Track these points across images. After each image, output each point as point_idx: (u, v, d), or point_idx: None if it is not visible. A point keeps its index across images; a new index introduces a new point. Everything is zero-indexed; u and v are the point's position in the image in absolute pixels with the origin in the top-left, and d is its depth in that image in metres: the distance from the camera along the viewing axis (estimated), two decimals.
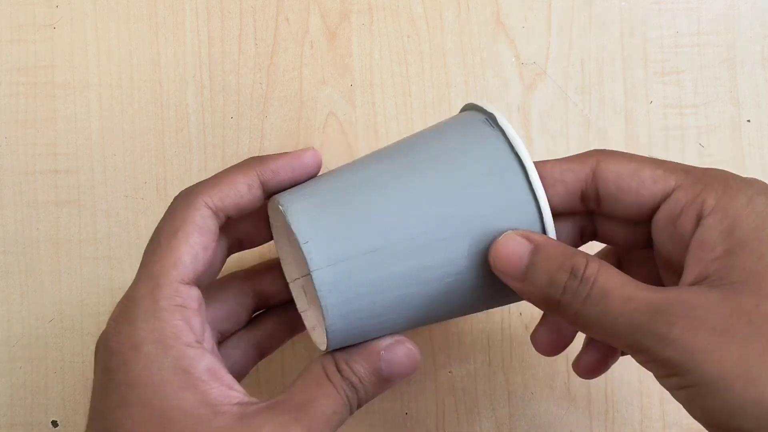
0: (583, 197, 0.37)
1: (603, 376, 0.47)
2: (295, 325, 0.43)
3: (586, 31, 0.49)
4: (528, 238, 0.34)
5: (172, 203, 0.37)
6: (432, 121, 0.48)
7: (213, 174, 0.38)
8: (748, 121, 0.48)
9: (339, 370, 0.36)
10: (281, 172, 0.37)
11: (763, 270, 0.31)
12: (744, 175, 0.47)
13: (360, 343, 0.36)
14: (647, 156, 0.36)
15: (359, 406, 0.36)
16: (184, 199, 0.36)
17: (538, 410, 0.47)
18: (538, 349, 0.41)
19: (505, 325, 0.47)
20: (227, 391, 0.34)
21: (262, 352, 0.42)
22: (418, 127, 0.48)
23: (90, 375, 0.45)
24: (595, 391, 0.47)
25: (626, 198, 0.35)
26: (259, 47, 0.48)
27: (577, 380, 0.47)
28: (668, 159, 0.48)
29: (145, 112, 0.48)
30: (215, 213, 0.36)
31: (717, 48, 0.49)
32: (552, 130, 0.48)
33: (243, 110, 0.48)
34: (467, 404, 0.47)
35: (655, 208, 0.35)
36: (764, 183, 0.35)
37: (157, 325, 0.34)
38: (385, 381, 0.36)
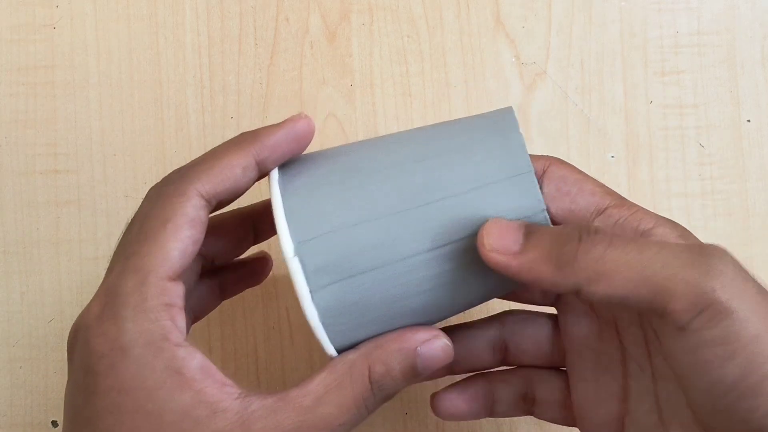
0: None
1: None
2: (258, 274, 0.42)
3: (586, 31, 0.49)
4: (516, 223, 0.32)
5: (160, 186, 0.33)
6: (432, 121, 0.48)
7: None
8: (748, 121, 0.48)
9: (370, 371, 0.33)
10: (278, 148, 0.34)
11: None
12: (743, 175, 0.48)
13: (389, 337, 0.34)
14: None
15: (383, 401, 0.34)
16: (175, 186, 0.33)
17: None
18: (440, 414, 0.39)
19: None
20: (222, 387, 0.32)
21: (224, 295, 0.41)
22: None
23: None
24: None
25: (563, 201, 0.35)
26: (259, 47, 0.48)
27: None
28: (668, 159, 0.48)
29: (145, 112, 0.48)
30: (208, 202, 0.33)
31: (717, 48, 0.49)
32: (552, 130, 0.48)
33: (243, 110, 0.48)
34: None
35: (585, 220, 0.35)
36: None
37: (146, 326, 0.31)
38: (415, 378, 0.34)
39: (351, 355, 0.33)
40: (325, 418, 0.32)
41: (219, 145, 0.34)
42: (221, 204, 0.34)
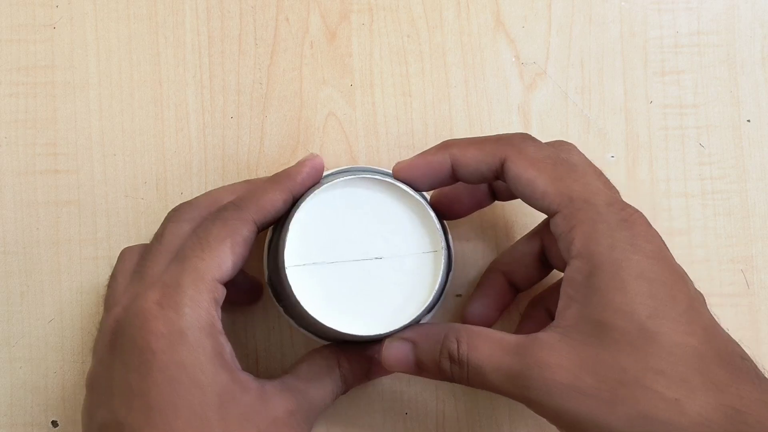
0: (492, 176, 0.41)
1: None
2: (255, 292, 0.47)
3: (586, 31, 0.49)
4: (405, 339, 0.40)
5: (221, 213, 0.40)
6: (432, 121, 0.48)
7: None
8: (748, 121, 0.48)
9: (338, 365, 0.42)
10: (306, 183, 0.42)
11: (605, 319, 0.35)
12: (743, 175, 0.48)
13: (361, 344, 0.43)
14: (554, 159, 0.39)
15: (345, 392, 0.43)
16: (236, 211, 0.40)
17: None
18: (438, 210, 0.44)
19: (505, 325, 0.47)
20: (242, 371, 0.39)
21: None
22: (418, 127, 0.48)
23: None
24: None
25: (520, 195, 0.40)
26: (259, 47, 0.48)
27: None
28: (668, 159, 0.48)
29: (144, 112, 0.48)
30: (258, 227, 0.40)
31: (717, 48, 0.49)
32: (552, 130, 0.48)
33: (243, 110, 0.48)
34: (467, 404, 0.47)
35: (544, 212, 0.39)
36: (640, 218, 0.38)
37: (201, 314, 0.38)
38: (368, 378, 0.44)
39: (324, 351, 0.43)
40: (314, 398, 0.41)
41: (262, 182, 0.42)
42: (263, 229, 0.41)
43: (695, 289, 0.37)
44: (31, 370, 0.46)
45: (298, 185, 0.42)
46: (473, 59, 0.48)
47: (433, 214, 0.41)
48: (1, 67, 0.48)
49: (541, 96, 0.48)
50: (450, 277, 0.45)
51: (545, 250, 0.43)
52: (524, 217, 0.47)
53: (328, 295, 0.40)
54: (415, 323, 0.40)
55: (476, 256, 0.47)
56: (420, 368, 0.40)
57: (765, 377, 0.35)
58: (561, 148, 0.40)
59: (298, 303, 0.40)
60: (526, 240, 0.44)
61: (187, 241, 0.40)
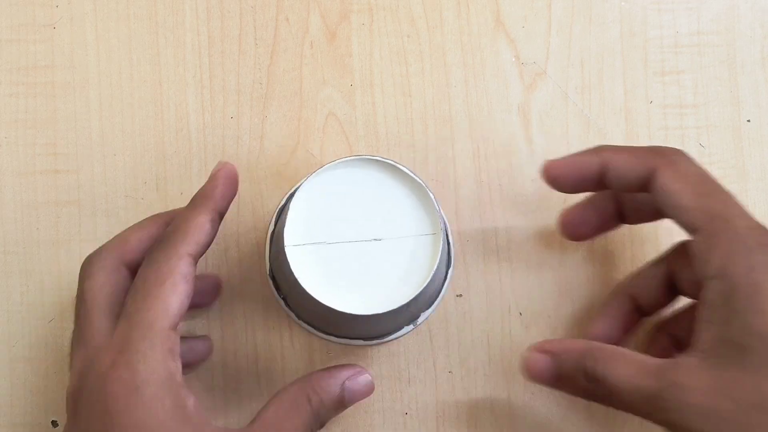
0: (639, 185, 0.41)
1: None
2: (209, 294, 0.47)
3: (586, 30, 0.49)
4: (546, 351, 0.40)
5: (151, 255, 0.39)
6: (432, 121, 0.48)
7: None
8: (748, 121, 0.48)
9: (309, 401, 0.40)
10: (225, 196, 0.41)
11: (745, 342, 0.35)
12: (744, 175, 0.48)
13: (321, 373, 0.42)
14: (703, 177, 0.39)
15: (320, 427, 0.41)
16: (165, 251, 0.38)
17: (539, 410, 0.47)
18: (563, 232, 0.46)
19: (505, 325, 0.47)
20: (208, 422, 0.37)
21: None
22: (418, 127, 0.48)
23: None
24: None
25: (662, 206, 0.40)
26: (259, 47, 0.48)
27: None
28: None
29: (144, 112, 0.48)
30: (194, 259, 0.39)
31: (717, 48, 0.49)
32: (552, 129, 0.48)
33: (243, 110, 0.48)
34: (467, 405, 0.47)
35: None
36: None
37: (156, 368, 0.36)
38: (343, 406, 0.41)
39: (291, 388, 0.40)
40: None
41: (181, 212, 0.40)
42: (199, 257, 0.39)
43: None
44: (31, 370, 0.46)
45: (218, 201, 0.40)
46: (473, 59, 0.48)
47: (432, 196, 0.41)
48: (1, 67, 0.48)
49: (541, 96, 0.48)
50: (449, 274, 0.45)
51: (674, 275, 0.43)
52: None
53: (327, 274, 0.41)
54: (413, 301, 0.40)
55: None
56: (559, 381, 0.40)
57: None
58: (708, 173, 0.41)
59: (297, 282, 0.40)
60: (654, 264, 0.44)
61: (127, 296, 0.38)
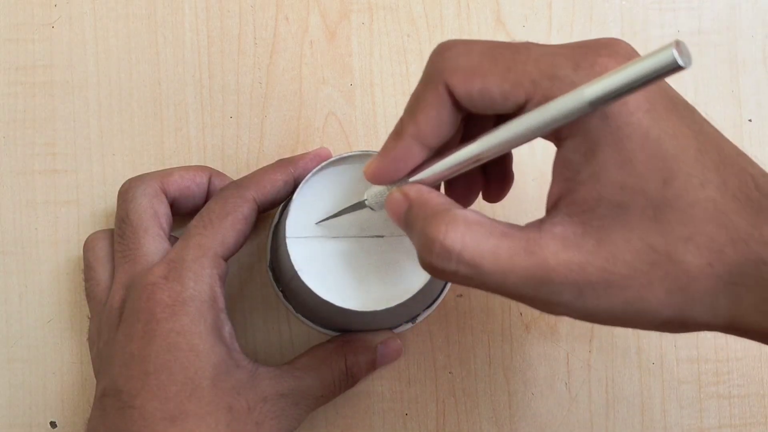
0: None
1: (603, 376, 0.47)
2: None
3: (587, 30, 0.48)
4: (407, 195, 0.35)
5: (222, 192, 0.42)
6: None
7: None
8: (750, 120, 0.48)
9: (344, 359, 0.43)
10: (307, 168, 0.43)
11: (621, 200, 0.31)
12: None
13: (357, 335, 0.44)
14: (496, 48, 0.33)
15: (352, 385, 0.44)
16: (236, 190, 0.42)
17: (539, 410, 0.47)
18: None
19: (505, 325, 0.47)
20: (239, 352, 0.41)
21: None
22: None
23: (88, 375, 0.45)
24: (595, 390, 0.47)
25: (487, 110, 0.33)
26: (259, 46, 0.48)
27: (578, 380, 0.47)
28: None
29: (144, 112, 0.48)
30: (258, 206, 0.42)
31: (718, 47, 0.49)
32: None
33: (242, 110, 0.48)
34: (467, 405, 0.46)
35: (517, 110, 0.33)
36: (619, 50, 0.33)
37: (203, 288, 0.40)
38: (374, 368, 0.45)
39: (329, 345, 0.44)
40: (310, 387, 0.42)
41: (264, 167, 0.43)
42: (265, 209, 0.43)
43: (699, 116, 0.34)
44: (30, 371, 0.46)
45: (299, 168, 0.43)
46: None
47: None
48: (0, 67, 0.48)
49: None
50: None
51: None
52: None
53: (327, 268, 0.41)
54: (412, 300, 0.40)
55: None
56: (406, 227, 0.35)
57: None
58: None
59: (297, 275, 0.40)
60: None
61: (192, 220, 0.42)
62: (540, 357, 0.47)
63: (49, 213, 0.47)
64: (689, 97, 0.48)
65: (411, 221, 0.34)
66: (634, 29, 0.48)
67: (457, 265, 0.32)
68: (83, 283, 0.45)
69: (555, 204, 0.33)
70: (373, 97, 0.48)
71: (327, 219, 0.41)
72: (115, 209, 0.43)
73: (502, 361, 0.47)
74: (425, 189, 0.35)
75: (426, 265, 0.33)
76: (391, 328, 0.45)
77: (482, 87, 0.32)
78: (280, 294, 0.45)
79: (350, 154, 0.41)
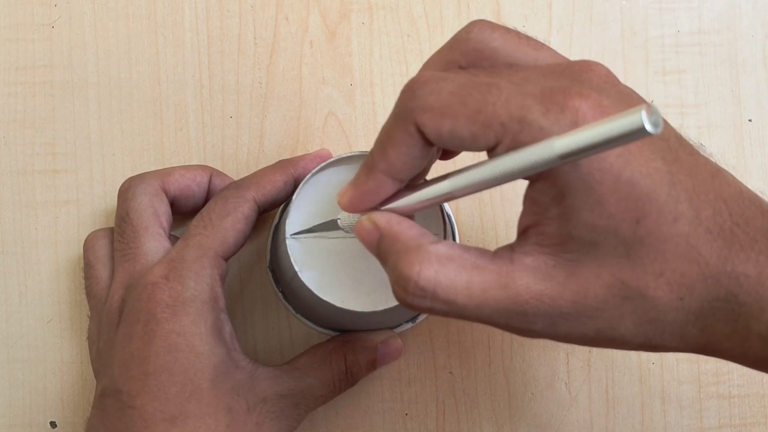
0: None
1: (603, 376, 0.47)
2: None
3: (587, 30, 0.48)
4: (376, 224, 0.34)
5: (222, 192, 0.42)
6: None
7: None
8: (750, 120, 0.48)
9: (344, 358, 0.43)
10: (308, 168, 0.43)
11: (593, 238, 0.31)
12: (745, 174, 0.48)
13: (357, 335, 0.44)
14: (466, 88, 0.32)
15: (352, 384, 0.44)
16: (236, 190, 0.42)
17: (539, 411, 0.47)
18: None
19: None
20: (239, 352, 0.41)
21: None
22: None
23: (88, 375, 0.45)
24: (595, 391, 0.47)
25: (459, 149, 0.34)
26: (259, 46, 0.48)
27: (578, 380, 0.47)
28: None
29: (144, 112, 0.47)
30: (259, 206, 0.42)
31: (718, 47, 0.49)
32: None
33: (242, 110, 0.48)
34: (467, 405, 0.47)
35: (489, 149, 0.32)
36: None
37: (204, 287, 0.40)
38: (374, 367, 0.44)
39: (328, 345, 0.44)
40: (310, 387, 0.42)
41: (265, 167, 0.44)
42: (265, 210, 0.43)
43: (676, 137, 0.34)
44: (30, 371, 0.46)
45: (299, 169, 0.43)
46: None
47: None
48: (0, 67, 0.47)
49: None
50: None
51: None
52: None
53: (326, 268, 0.41)
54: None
55: None
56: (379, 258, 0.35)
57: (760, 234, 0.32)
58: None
59: (296, 275, 0.40)
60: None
61: (192, 220, 0.42)
62: (540, 357, 0.47)
63: (49, 213, 0.47)
64: (689, 98, 0.49)
65: (383, 254, 0.34)
66: (634, 29, 0.48)
67: (432, 302, 0.32)
68: (83, 282, 0.45)
69: (525, 231, 0.33)
70: (373, 97, 0.48)
71: (301, 233, 0.41)
72: (115, 209, 0.43)
73: (502, 361, 0.47)
74: (395, 219, 0.34)
75: (401, 301, 0.33)
76: (391, 328, 0.45)
77: (452, 128, 0.32)
78: (280, 294, 0.45)
79: (350, 154, 0.41)
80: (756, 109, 0.48)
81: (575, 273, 0.32)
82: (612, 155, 0.31)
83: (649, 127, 0.27)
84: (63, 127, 0.47)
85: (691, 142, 0.34)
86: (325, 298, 0.39)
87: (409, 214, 0.35)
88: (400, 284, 0.32)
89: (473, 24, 0.35)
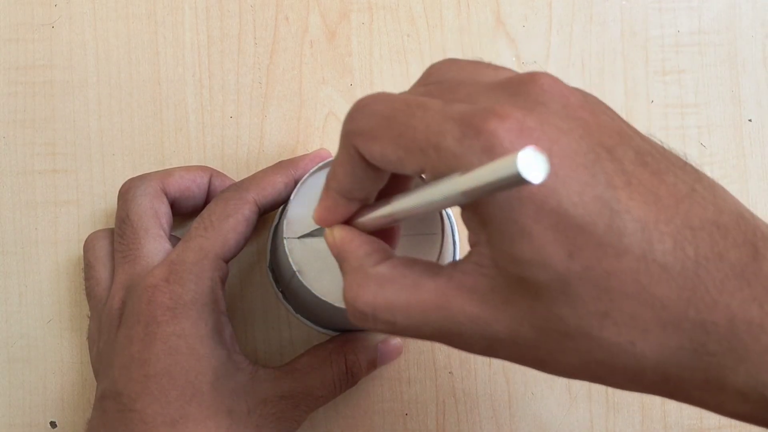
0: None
1: None
2: None
3: (587, 30, 0.48)
4: (334, 239, 0.34)
5: (223, 194, 0.42)
6: None
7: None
8: (750, 120, 0.48)
9: (345, 359, 0.43)
10: (308, 169, 0.43)
11: (523, 274, 0.28)
12: (745, 174, 0.48)
13: (357, 335, 0.45)
14: (397, 110, 0.31)
15: (353, 384, 0.44)
16: (237, 192, 0.42)
17: (539, 411, 0.47)
18: None
19: None
20: (239, 354, 0.42)
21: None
22: None
23: (88, 375, 0.45)
24: (595, 391, 0.47)
25: (398, 171, 0.31)
26: (259, 46, 0.48)
27: (578, 380, 0.47)
28: None
29: (144, 112, 0.48)
30: (259, 208, 0.42)
31: (718, 47, 0.49)
32: None
33: (242, 110, 0.48)
34: (468, 405, 0.47)
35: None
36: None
37: (204, 290, 0.40)
38: (374, 367, 0.45)
39: (328, 345, 0.44)
40: (310, 388, 0.42)
41: (265, 168, 0.44)
42: (266, 211, 0.43)
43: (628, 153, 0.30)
44: (30, 371, 0.46)
45: (299, 170, 0.43)
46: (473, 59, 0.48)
47: None
48: (0, 67, 0.47)
49: None
50: None
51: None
52: None
53: (324, 268, 0.41)
54: None
55: None
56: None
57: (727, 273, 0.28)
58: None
59: (296, 276, 0.40)
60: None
61: (192, 221, 0.42)
62: None
63: (49, 213, 0.47)
64: (689, 98, 0.49)
65: (340, 269, 0.33)
66: (634, 29, 0.48)
67: (373, 323, 0.31)
68: (83, 282, 0.45)
69: (471, 247, 0.30)
70: None
71: (306, 236, 0.41)
72: (116, 209, 0.43)
73: (502, 361, 0.47)
74: (348, 236, 0.33)
75: (350, 319, 0.32)
76: None
77: (381, 152, 0.30)
78: (280, 294, 0.45)
79: None
80: (756, 109, 0.48)
81: (510, 300, 0.29)
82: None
83: (527, 175, 0.24)
84: (63, 127, 0.47)
85: (673, 155, 0.31)
86: (324, 298, 0.39)
87: (378, 229, 0.34)
88: (346, 305, 0.32)
89: (438, 62, 0.34)
